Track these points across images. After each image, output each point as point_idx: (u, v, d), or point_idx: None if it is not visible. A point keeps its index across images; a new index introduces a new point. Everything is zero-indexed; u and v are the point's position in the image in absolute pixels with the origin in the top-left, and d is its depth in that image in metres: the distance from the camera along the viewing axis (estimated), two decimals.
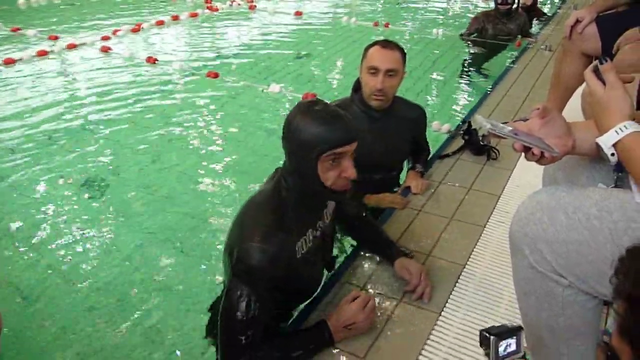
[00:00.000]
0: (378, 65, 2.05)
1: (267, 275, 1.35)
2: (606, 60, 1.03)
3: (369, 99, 2.12)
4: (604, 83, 1.02)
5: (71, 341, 2.05)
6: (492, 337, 0.99)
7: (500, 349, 1.00)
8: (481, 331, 1.02)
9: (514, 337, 1.01)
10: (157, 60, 4.77)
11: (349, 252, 2.06)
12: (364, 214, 1.92)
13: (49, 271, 2.40)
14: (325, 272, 1.82)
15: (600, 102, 1.01)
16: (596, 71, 1.04)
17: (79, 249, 2.56)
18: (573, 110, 2.73)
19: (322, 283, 1.78)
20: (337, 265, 1.94)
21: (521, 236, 1.03)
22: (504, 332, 1.01)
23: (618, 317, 0.67)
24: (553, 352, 1.10)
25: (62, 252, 2.52)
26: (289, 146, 1.40)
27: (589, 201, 0.98)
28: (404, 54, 2.13)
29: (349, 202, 1.86)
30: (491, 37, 5.22)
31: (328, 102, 1.49)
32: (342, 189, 1.42)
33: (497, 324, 1.61)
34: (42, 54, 4.91)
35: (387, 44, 2.11)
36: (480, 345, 1.03)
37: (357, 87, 2.19)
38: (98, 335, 2.07)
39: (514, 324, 1.05)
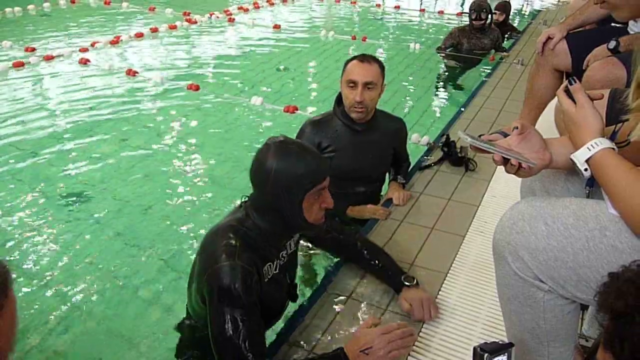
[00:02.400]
0: (356, 78, 2.12)
1: (244, 289, 1.34)
2: (575, 81, 1.10)
3: (350, 112, 2.18)
4: (575, 102, 1.09)
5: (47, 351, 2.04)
6: (485, 354, 1.05)
7: None
8: (475, 348, 1.07)
9: (505, 354, 1.06)
10: (137, 73, 4.76)
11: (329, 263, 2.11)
12: (363, 239, 1.94)
13: (30, 285, 2.39)
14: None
15: (573, 121, 1.08)
16: (567, 91, 1.11)
17: (60, 262, 2.53)
18: (546, 122, 2.85)
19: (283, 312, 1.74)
20: (322, 275, 1.98)
21: (504, 245, 1.09)
22: (496, 349, 1.06)
23: (603, 329, 0.73)
24: (535, 354, 1.15)
25: (44, 266, 2.50)
26: (266, 189, 1.41)
27: (566, 211, 1.05)
28: (382, 67, 2.20)
29: (345, 233, 1.89)
30: (466, 51, 5.36)
31: (285, 137, 1.50)
32: (319, 221, 1.49)
33: (480, 330, 1.68)
34: (19, 65, 4.86)
35: (364, 58, 2.17)
36: None
37: (340, 100, 2.25)
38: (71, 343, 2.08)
39: (505, 341, 1.11)
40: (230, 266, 1.34)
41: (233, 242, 1.40)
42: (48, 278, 2.43)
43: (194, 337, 1.62)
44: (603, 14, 2.54)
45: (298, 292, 1.79)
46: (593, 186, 1.12)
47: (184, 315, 2.12)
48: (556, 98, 2.71)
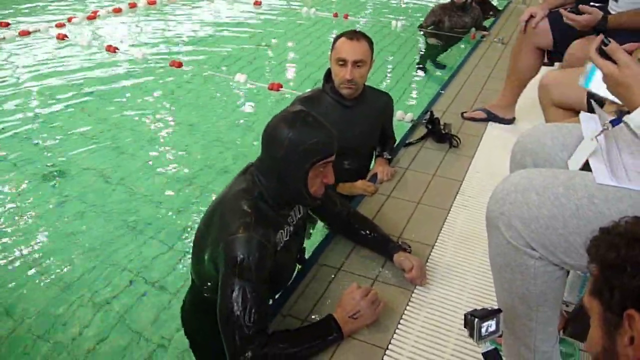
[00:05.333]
0: (346, 57, 2.13)
1: (257, 263, 1.38)
2: (610, 41, 1.04)
3: (340, 88, 2.20)
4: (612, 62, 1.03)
5: (38, 336, 2.04)
6: (475, 320, 1.11)
7: (482, 330, 1.11)
8: (465, 314, 1.13)
9: (494, 319, 1.12)
10: (118, 49, 4.68)
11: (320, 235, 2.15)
12: (353, 211, 1.97)
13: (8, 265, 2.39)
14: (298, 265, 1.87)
15: (619, 82, 1.03)
16: (600, 52, 1.05)
17: (41, 241, 2.54)
18: (529, 99, 2.92)
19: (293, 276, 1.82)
20: (313, 248, 2.03)
21: (497, 215, 1.14)
22: (485, 315, 1.12)
23: (592, 278, 0.79)
24: (524, 319, 1.22)
25: (24, 245, 2.50)
26: (276, 155, 1.45)
27: (556, 181, 1.10)
28: (371, 43, 2.21)
29: (337, 202, 1.93)
30: (448, 29, 5.39)
31: (303, 107, 1.56)
32: (318, 195, 1.54)
33: (467, 298, 1.75)
34: None
35: (353, 35, 2.18)
36: (465, 327, 1.14)
37: (328, 77, 2.26)
38: (68, 328, 2.09)
39: (494, 307, 1.17)
40: (246, 239, 1.38)
41: (248, 213, 1.43)
42: (29, 256, 2.43)
43: (199, 302, 1.67)
44: None
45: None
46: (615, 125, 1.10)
47: (175, 289, 2.16)
48: (539, 75, 2.77)
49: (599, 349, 0.77)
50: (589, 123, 1.22)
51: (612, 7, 2.46)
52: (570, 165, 1.18)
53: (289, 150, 1.42)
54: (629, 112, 1.03)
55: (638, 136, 1.00)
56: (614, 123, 1.11)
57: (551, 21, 2.65)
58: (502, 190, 1.15)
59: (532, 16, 2.67)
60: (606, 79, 1.06)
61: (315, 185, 1.50)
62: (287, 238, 1.58)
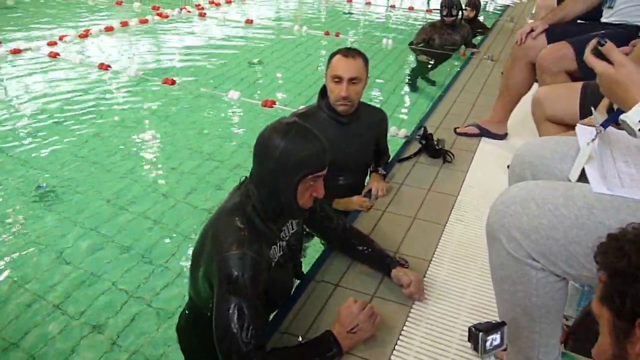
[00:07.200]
0: (341, 74, 2.14)
1: (251, 280, 1.37)
2: (606, 41, 1.04)
3: (336, 105, 2.22)
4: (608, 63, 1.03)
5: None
6: (480, 333, 1.10)
7: (487, 344, 1.10)
8: (470, 328, 1.12)
9: (499, 332, 1.11)
10: (110, 67, 4.68)
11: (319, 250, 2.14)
12: (350, 227, 1.96)
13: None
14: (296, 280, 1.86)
15: (614, 81, 1.03)
16: (596, 54, 1.06)
17: (34, 260, 2.51)
18: (521, 114, 2.96)
19: (292, 291, 1.81)
20: (310, 264, 2.01)
21: (498, 227, 1.14)
22: (489, 328, 1.11)
23: (601, 285, 0.78)
24: (526, 331, 1.21)
25: (16, 265, 2.47)
26: (268, 165, 1.43)
27: (556, 192, 1.10)
28: (366, 60, 2.23)
29: (334, 218, 1.91)
30: (438, 47, 5.46)
31: (297, 119, 1.55)
32: (307, 207, 1.53)
33: (465, 312, 1.74)
34: None
35: (349, 52, 2.20)
36: (469, 340, 1.13)
37: (324, 93, 2.28)
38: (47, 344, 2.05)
39: (498, 321, 1.16)
40: (239, 256, 1.36)
41: (241, 230, 1.41)
42: (21, 276, 2.40)
43: (196, 319, 1.65)
44: (580, 10, 2.65)
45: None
46: (606, 127, 1.11)
47: (171, 307, 2.12)
48: (532, 90, 2.80)
49: (608, 356, 0.76)
50: (585, 134, 1.23)
51: (605, 17, 2.50)
52: (570, 177, 1.19)
53: (280, 161, 1.40)
54: (621, 111, 1.03)
55: (637, 134, 0.99)
56: (604, 125, 1.12)
57: (548, 37, 2.69)
58: (501, 202, 1.15)
59: (532, 30, 2.72)
60: (601, 79, 1.06)
61: (304, 199, 1.48)
62: (281, 253, 1.57)
